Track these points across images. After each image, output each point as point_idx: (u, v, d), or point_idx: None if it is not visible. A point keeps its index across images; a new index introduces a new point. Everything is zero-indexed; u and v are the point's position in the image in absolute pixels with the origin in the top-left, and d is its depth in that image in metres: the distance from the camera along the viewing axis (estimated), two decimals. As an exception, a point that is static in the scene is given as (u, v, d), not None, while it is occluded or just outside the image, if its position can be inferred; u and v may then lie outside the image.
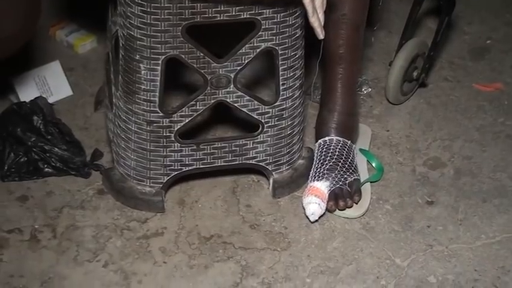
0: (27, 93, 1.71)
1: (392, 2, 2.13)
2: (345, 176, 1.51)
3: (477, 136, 1.73)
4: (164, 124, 1.42)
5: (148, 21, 1.33)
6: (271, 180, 1.54)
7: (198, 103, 1.41)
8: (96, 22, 1.80)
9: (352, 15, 1.53)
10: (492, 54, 2.02)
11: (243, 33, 1.38)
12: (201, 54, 1.36)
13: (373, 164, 1.62)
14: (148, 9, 1.32)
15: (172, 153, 1.45)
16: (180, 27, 1.33)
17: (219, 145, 1.47)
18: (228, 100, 1.42)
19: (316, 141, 1.60)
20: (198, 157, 1.47)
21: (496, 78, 1.92)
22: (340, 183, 1.50)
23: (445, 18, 1.75)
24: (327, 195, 1.49)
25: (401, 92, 1.79)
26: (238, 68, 1.39)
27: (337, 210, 1.50)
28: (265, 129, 1.47)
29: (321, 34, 1.31)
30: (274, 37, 1.38)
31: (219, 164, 1.49)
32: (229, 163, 1.50)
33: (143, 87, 1.38)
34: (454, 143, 1.71)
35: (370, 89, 1.84)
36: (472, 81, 1.91)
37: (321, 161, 1.53)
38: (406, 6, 1.84)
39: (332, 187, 1.50)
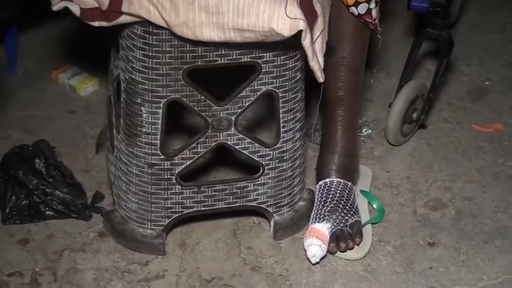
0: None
1: (391, 44, 2.15)
2: (346, 217, 1.51)
3: (477, 177, 1.74)
4: (165, 167, 1.42)
5: (150, 65, 1.34)
6: (272, 222, 1.54)
7: (199, 146, 1.42)
8: (98, 65, 1.81)
9: (352, 58, 1.55)
10: (491, 95, 2.03)
11: (243, 74, 1.39)
12: (202, 97, 1.38)
13: (374, 206, 1.62)
14: (150, 53, 1.33)
15: (174, 196, 1.45)
16: (181, 71, 1.34)
17: (220, 187, 1.47)
18: (229, 143, 1.43)
19: (317, 183, 1.60)
20: (199, 199, 1.47)
21: (496, 119, 1.93)
22: (341, 225, 1.50)
23: (443, 60, 1.76)
24: (328, 237, 1.49)
25: (402, 134, 1.80)
26: (239, 110, 1.41)
27: (338, 252, 1.49)
28: (266, 172, 1.47)
29: (320, 77, 1.33)
30: (275, 80, 1.39)
31: (220, 206, 1.49)
32: (230, 205, 1.50)
33: (145, 130, 1.39)
34: (454, 184, 1.72)
35: (370, 131, 1.85)
36: (472, 122, 1.92)
37: (322, 203, 1.54)
38: (405, 47, 1.86)
39: (333, 229, 1.49)
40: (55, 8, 1.36)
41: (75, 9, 1.35)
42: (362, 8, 1.49)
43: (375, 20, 1.51)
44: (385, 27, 1.61)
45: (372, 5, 1.49)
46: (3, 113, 1.86)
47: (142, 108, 1.38)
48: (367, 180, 1.69)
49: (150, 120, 1.38)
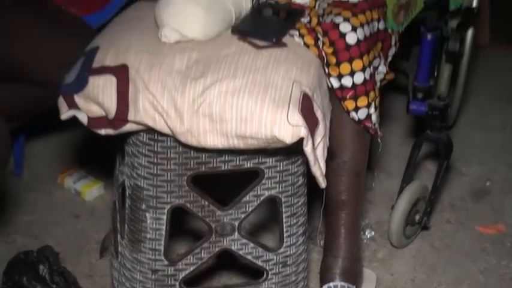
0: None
1: (392, 145, 2.18)
2: (351, 322, 1.50)
3: (482, 279, 1.73)
4: (169, 273, 1.42)
5: (155, 172, 1.36)
6: (276, 327, 1.52)
7: (202, 251, 1.42)
8: (103, 168, 1.84)
9: (353, 162, 1.57)
10: (492, 195, 2.04)
11: (247, 178, 1.41)
12: (206, 202, 1.39)
13: (379, 310, 1.62)
14: (155, 160, 1.36)
15: (177, 301, 1.45)
16: (186, 177, 1.36)
17: (224, 292, 1.47)
18: (232, 248, 1.43)
19: (321, 287, 1.59)
20: (203, 305, 1.46)
21: (498, 219, 1.94)
22: (346, 329, 1.49)
23: (443, 162, 1.79)
24: None
25: (404, 236, 1.80)
26: (243, 216, 1.42)
27: None
28: (269, 277, 1.47)
29: (322, 183, 1.34)
30: (278, 185, 1.41)
31: (224, 312, 1.49)
32: (234, 310, 1.49)
33: (149, 236, 1.40)
34: (459, 287, 1.70)
35: (373, 233, 1.85)
36: (474, 223, 1.92)
37: (327, 307, 1.53)
38: (405, 148, 1.89)
39: (338, 334, 1.48)
40: (63, 117, 1.39)
41: (83, 118, 1.38)
42: (362, 113, 1.52)
43: (374, 124, 1.55)
44: (385, 129, 1.65)
45: (372, 110, 1.53)
46: (8, 218, 1.87)
47: (146, 214, 1.39)
48: (371, 284, 1.68)
49: (154, 226, 1.39)
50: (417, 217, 1.80)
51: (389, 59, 1.60)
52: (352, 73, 1.46)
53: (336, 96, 1.49)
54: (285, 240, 1.45)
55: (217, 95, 1.28)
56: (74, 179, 2.01)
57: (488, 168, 2.16)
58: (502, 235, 1.88)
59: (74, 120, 1.40)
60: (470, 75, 2.15)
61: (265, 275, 1.47)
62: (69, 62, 1.41)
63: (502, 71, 2.67)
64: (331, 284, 1.57)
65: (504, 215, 1.96)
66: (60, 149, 2.15)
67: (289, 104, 1.27)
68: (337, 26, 1.43)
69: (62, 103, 1.37)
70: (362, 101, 1.50)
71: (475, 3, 1.79)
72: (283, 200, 1.42)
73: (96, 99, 1.34)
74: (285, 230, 1.45)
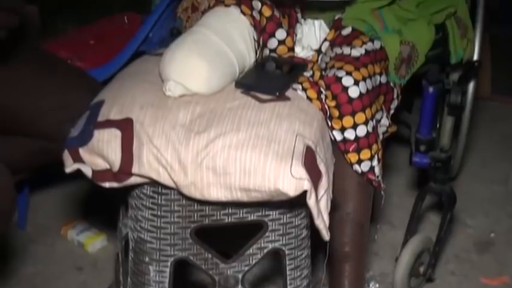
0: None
1: (395, 196, 2.18)
2: None
3: (487, 332, 1.72)
4: (172, 326, 1.41)
5: (159, 225, 1.36)
6: None
7: (206, 304, 1.42)
8: (107, 220, 1.84)
9: (356, 214, 1.57)
10: (497, 247, 2.04)
11: (250, 229, 1.41)
12: (210, 255, 1.39)
13: None
14: (159, 213, 1.36)
15: None
16: (189, 230, 1.37)
17: None
18: (236, 301, 1.43)
19: None
20: None
21: (502, 271, 1.93)
22: None
23: (447, 214, 1.79)
24: None
25: (409, 288, 1.79)
26: (246, 268, 1.41)
27: None
28: (273, 330, 1.46)
29: (326, 236, 1.34)
30: (281, 238, 1.41)
31: None
32: None
33: (152, 289, 1.40)
34: (464, 339, 1.70)
35: (377, 285, 1.84)
36: (479, 274, 1.91)
37: None
38: (409, 200, 1.89)
39: None
40: (68, 170, 1.40)
41: (87, 171, 1.39)
42: (365, 166, 1.53)
43: (377, 177, 1.55)
44: (388, 180, 1.65)
45: (375, 163, 1.54)
46: (11, 270, 1.87)
47: (150, 267, 1.39)
48: (375, 337, 1.67)
49: (157, 279, 1.39)
50: (422, 269, 1.80)
51: (392, 111, 1.62)
52: (354, 126, 1.47)
53: (339, 149, 1.50)
54: (288, 293, 1.45)
55: (221, 148, 1.29)
56: (77, 230, 2.02)
57: (492, 219, 2.16)
58: (507, 287, 1.87)
59: (78, 172, 1.41)
60: (472, 127, 2.16)
61: (268, 329, 1.46)
62: (74, 116, 1.43)
63: (504, 122, 2.69)
64: (335, 338, 1.56)
65: (508, 267, 1.95)
66: (64, 200, 2.16)
67: (292, 158, 1.28)
68: (339, 79, 1.45)
69: (67, 156, 1.38)
70: (365, 154, 1.51)
71: (476, 57, 1.81)
72: (286, 252, 1.42)
73: (101, 152, 1.35)
74: (288, 282, 1.44)
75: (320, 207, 1.34)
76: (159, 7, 2.06)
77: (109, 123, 1.36)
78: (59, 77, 1.58)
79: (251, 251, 1.41)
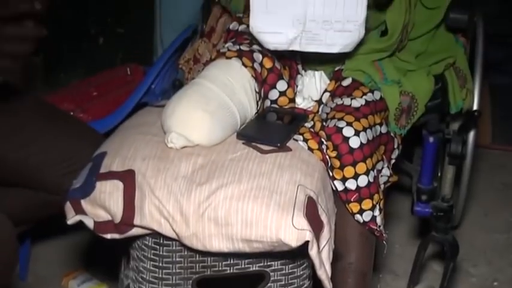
0: None
1: (397, 245, 2.17)
2: None
3: None
4: None
5: (160, 276, 1.36)
6: None
7: None
8: (108, 271, 1.83)
9: (359, 264, 1.57)
10: (500, 296, 2.03)
11: (252, 281, 1.40)
12: (212, 307, 1.38)
13: None
14: (161, 264, 1.36)
15: None
16: (191, 281, 1.36)
17: None
18: None
19: None
20: None
21: (507, 322, 1.92)
22: None
23: (450, 263, 1.78)
24: None
25: (413, 338, 1.78)
26: (248, 320, 1.41)
27: None
28: None
29: (328, 286, 1.34)
30: (283, 288, 1.41)
31: None
32: None
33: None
34: None
35: (381, 335, 1.83)
36: (483, 325, 1.90)
37: None
38: (411, 248, 1.89)
39: None
40: (70, 221, 1.40)
41: (89, 223, 1.39)
42: (367, 216, 1.53)
43: (379, 227, 1.55)
44: (390, 229, 1.65)
45: (376, 213, 1.54)
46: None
47: (151, 318, 1.38)
48: None
49: (159, 330, 1.38)
50: (425, 319, 1.79)
51: (393, 161, 1.63)
52: (356, 176, 1.48)
53: (341, 199, 1.50)
54: None
55: (223, 199, 1.29)
56: (78, 281, 2.00)
57: (495, 268, 2.15)
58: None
59: (79, 222, 1.41)
60: (473, 175, 2.16)
61: None
62: (76, 168, 1.44)
63: (505, 171, 2.69)
64: None
65: (513, 317, 1.94)
66: (65, 251, 2.15)
67: (294, 208, 1.28)
68: (340, 130, 1.46)
69: (68, 208, 1.39)
70: (366, 204, 1.51)
71: (475, 106, 1.82)
72: (289, 303, 1.41)
73: (103, 204, 1.35)
74: (291, 333, 1.43)
75: (322, 257, 1.34)
76: (161, 59, 2.08)
77: (111, 175, 1.36)
78: (61, 129, 1.59)
79: (253, 301, 1.40)
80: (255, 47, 1.53)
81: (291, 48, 1.45)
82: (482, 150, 2.65)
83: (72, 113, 1.87)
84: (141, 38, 2.91)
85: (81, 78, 2.45)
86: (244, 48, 1.53)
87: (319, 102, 1.61)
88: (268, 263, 1.38)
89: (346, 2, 1.41)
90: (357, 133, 1.46)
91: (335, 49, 1.44)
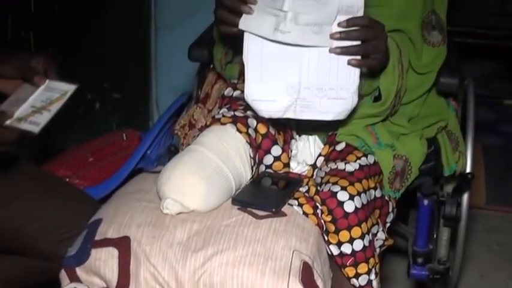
0: None
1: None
2: None
3: None
4: None
5: None
6: None
7: None
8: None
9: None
10: None
11: None
12: None
13: None
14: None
15: None
16: None
17: None
18: None
19: None
20: None
21: None
22: None
23: None
24: None
25: None
26: None
27: None
28: None
29: None
30: None
31: None
32: None
33: None
34: None
35: None
36: None
37: None
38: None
39: None
40: (65, 289, 1.40)
41: (84, 291, 1.39)
42: (363, 280, 1.52)
43: (375, 291, 1.54)
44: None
45: (372, 276, 1.53)
46: None
47: None
48: None
49: None
50: None
51: (388, 225, 1.63)
52: (351, 240, 1.47)
53: (336, 263, 1.50)
54: None
55: (218, 266, 1.29)
56: None
57: None
58: None
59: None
60: (469, 237, 2.16)
61: None
62: (72, 235, 1.44)
63: (500, 232, 2.69)
64: None
65: None
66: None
67: (289, 274, 1.28)
68: (335, 194, 1.47)
69: (63, 276, 1.39)
70: (362, 268, 1.50)
71: (468, 169, 1.84)
72: None
73: (98, 271, 1.35)
74: None
75: None
76: (156, 125, 2.10)
77: (106, 242, 1.37)
78: (57, 197, 1.59)
79: None
80: (250, 112, 1.55)
81: (285, 116, 1.47)
82: (477, 211, 2.65)
83: (67, 179, 1.87)
84: (137, 103, 2.95)
85: (78, 143, 2.46)
86: (238, 114, 1.55)
87: (314, 166, 1.62)
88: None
89: (339, 70, 1.43)
90: (351, 197, 1.47)
91: (329, 117, 1.46)
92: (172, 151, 1.92)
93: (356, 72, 1.43)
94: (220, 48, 1.73)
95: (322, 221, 1.47)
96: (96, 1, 2.71)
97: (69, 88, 1.39)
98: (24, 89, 1.41)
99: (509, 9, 3.88)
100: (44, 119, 1.34)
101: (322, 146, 1.64)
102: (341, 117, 1.46)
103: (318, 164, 1.62)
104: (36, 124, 1.33)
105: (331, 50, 1.41)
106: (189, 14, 2.78)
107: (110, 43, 2.80)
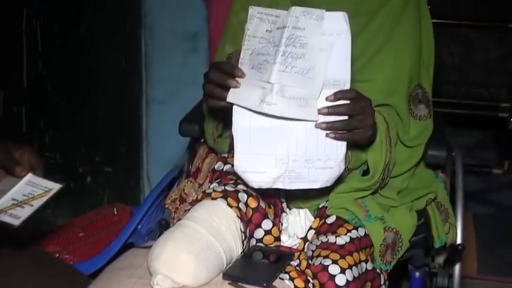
0: None
1: None
2: None
3: None
4: None
5: None
6: None
7: None
8: None
9: None
10: None
11: None
12: None
13: None
14: None
15: None
16: None
17: None
18: None
19: None
20: None
21: None
22: None
23: None
24: None
25: None
26: None
27: None
28: None
29: None
30: None
31: None
32: None
33: None
34: None
35: None
36: None
37: None
38: None
39: None
40: None
41: None
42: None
43: None
44: None
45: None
46: None
47: None
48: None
49: None
50: None
51: (380, 298, 1.62)
52: (343, 314, 1.47)
53: (329, 337, 1.49)
54: None
55: None
56: None
57: None
58: None
59: None
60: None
61: None
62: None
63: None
64: None
65: None
66: None
67: None
68: (326, 268, 1.47)
69: None
70: None
71: (459, 240, 1.84)
72: None
73: None
74: None
75: None
76: (147, 199, 2.10)
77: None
78: (46, 273, 1.58)
79: None
80: (240, 186, 1.56)
81: (274, 186, 1.48)
82: (469, 281, 2.64)
83: (57, 255, 1.86)
84: (128, 177, 2.95)
85: (69, 216, 2.46)
86: (229, 188, 1.55)
87: (305, 239, 1.62)
88: None
89: (326, 142, 1.45)
90: (342, 271, 1.46)
91: (317, 185, 1.47)
92: (163, 225, 1.92)
93: (343, 143, 1.45)
94: (210, 122, 1.75)
95: (314, 295, 1.46)
96: (88, 76, 2.75)
97: (54, 186, 1.39)
98: (7, 181, 1.40)
99: (495, 79, 3.96)
100: (25, 213, 1.34)
101: (312, 219, 1.65)
102: (328, 184, 1.48)
103: (309, 237, 1.62)
104: (16, 217, 1.33)
105: (316, 126, 1.43)
106: (179, 89, 2.83)
107: (101, 117, 2.83)
